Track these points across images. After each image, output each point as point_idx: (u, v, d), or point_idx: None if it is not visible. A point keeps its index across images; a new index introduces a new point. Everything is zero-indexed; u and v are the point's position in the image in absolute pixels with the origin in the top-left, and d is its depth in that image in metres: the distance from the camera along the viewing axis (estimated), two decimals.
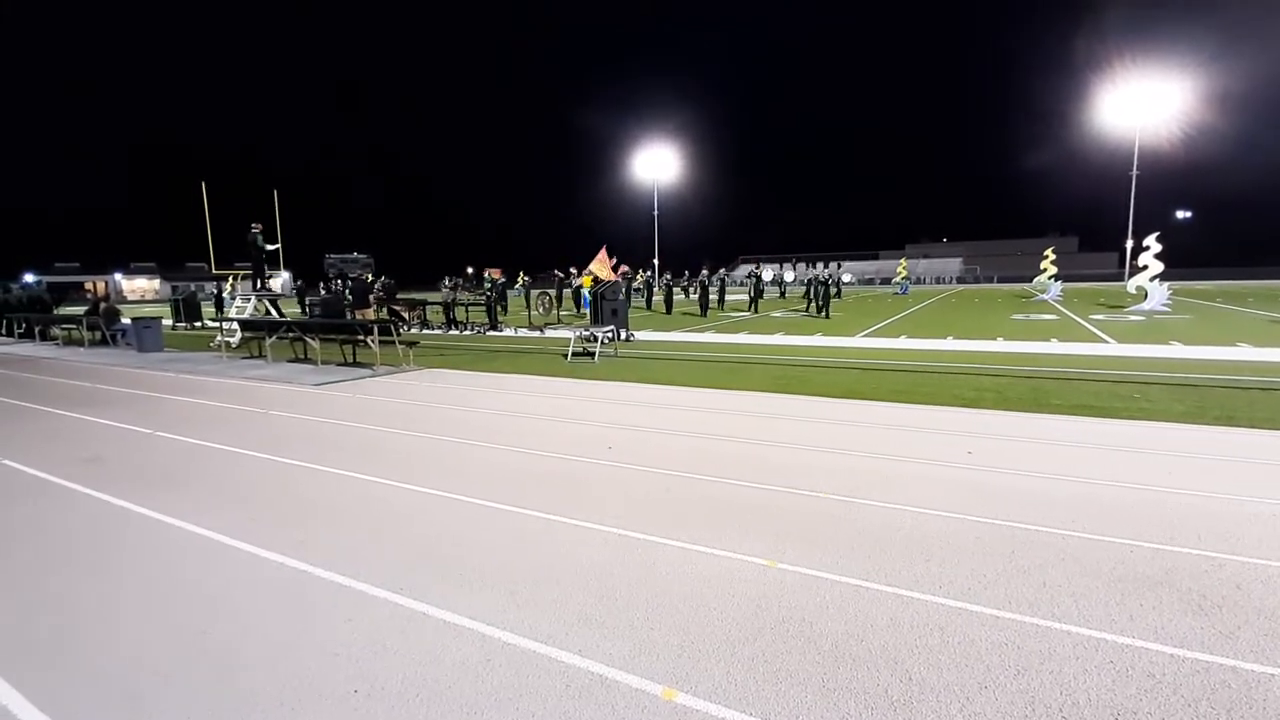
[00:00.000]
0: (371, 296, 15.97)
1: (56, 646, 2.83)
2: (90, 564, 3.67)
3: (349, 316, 15.42)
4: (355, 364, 11.64)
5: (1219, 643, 2.62)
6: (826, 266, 23.71)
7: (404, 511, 4.35)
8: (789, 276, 42.96)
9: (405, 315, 20.35)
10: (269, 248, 16.38)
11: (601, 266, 18.71)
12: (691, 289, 38.91)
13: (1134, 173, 40.67)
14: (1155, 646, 2.60)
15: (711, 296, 28.86)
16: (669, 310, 25.81)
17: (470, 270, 24.08)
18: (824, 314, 21.37)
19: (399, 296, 22.20)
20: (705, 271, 28.50)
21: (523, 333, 18.14)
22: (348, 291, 23.14)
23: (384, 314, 17.75)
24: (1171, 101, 39.24)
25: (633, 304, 28.13)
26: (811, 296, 22.84)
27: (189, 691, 2.48)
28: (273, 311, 17.18)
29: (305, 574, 3.43)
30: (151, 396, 9.09)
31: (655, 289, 30.29)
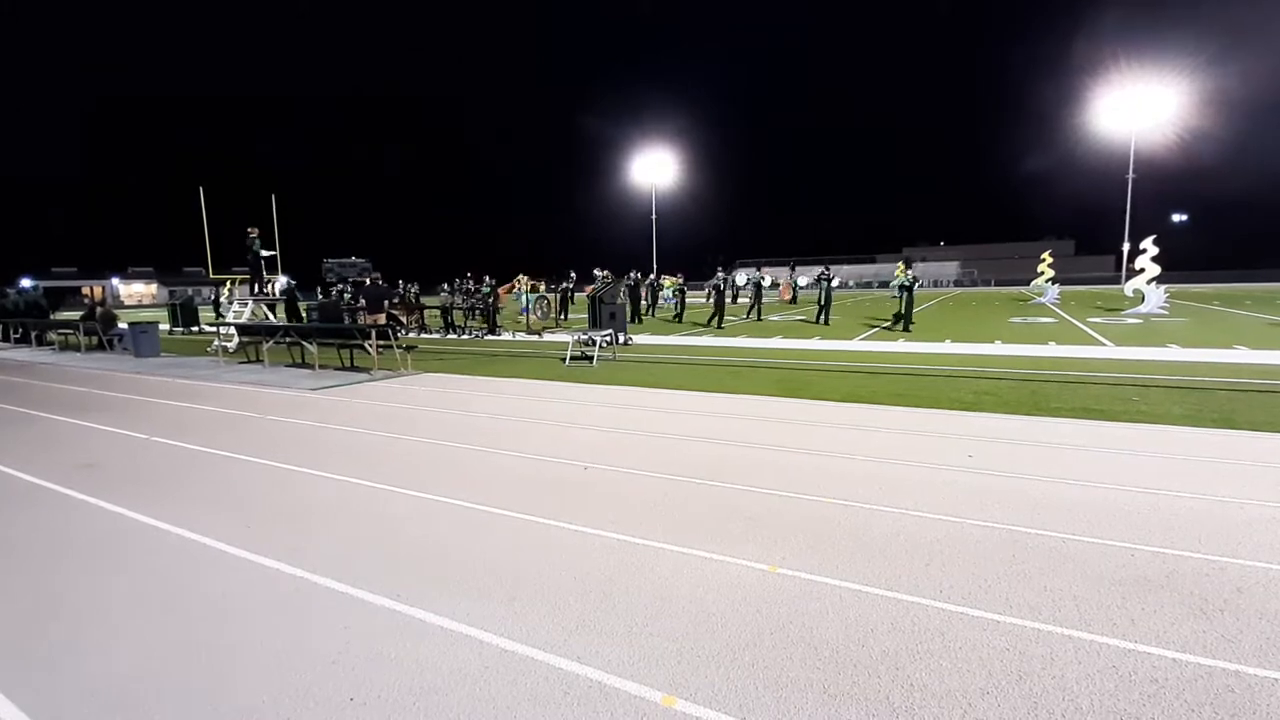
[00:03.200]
0: (387, 303, 15.75)
1: (50, 654, 2.80)
2: (85, 571, 3.64)
3: (349, 321, 15.35)
4: (353, 368, 11.62)
5: (1222, 647, 2.60)
6: (909, 269, 18.87)
7: (401, 517, 4.33)
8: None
9: (403, 319, 20.32)
10: (266, 254, 16.34)
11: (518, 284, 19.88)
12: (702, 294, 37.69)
13: (1130, 176, 40.86)
14: (1158, 651, 2.59)
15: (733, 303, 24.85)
16: (680, 317, 22.90)
17: (469, 275, 23.87)
18: (906, 326, 17.30)
19: (411, 301, 22.15)
20: (721, 274, 23.91)
21: (521, 337, 18.13)
22: (348, 297, 23.11)
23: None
24: (1168, 105, 39.45)
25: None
26: (899, 304, 18.06)
27: (184, 700, 2.46)
28: (271, 316, 17.16)
29: (302, 580, 3.41)
30: (148, 401, 9.06)
31: (651, 292, 29.55)
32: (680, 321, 22.29)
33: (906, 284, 17.55)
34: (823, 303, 20.37)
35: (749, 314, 20.91)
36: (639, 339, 16.24)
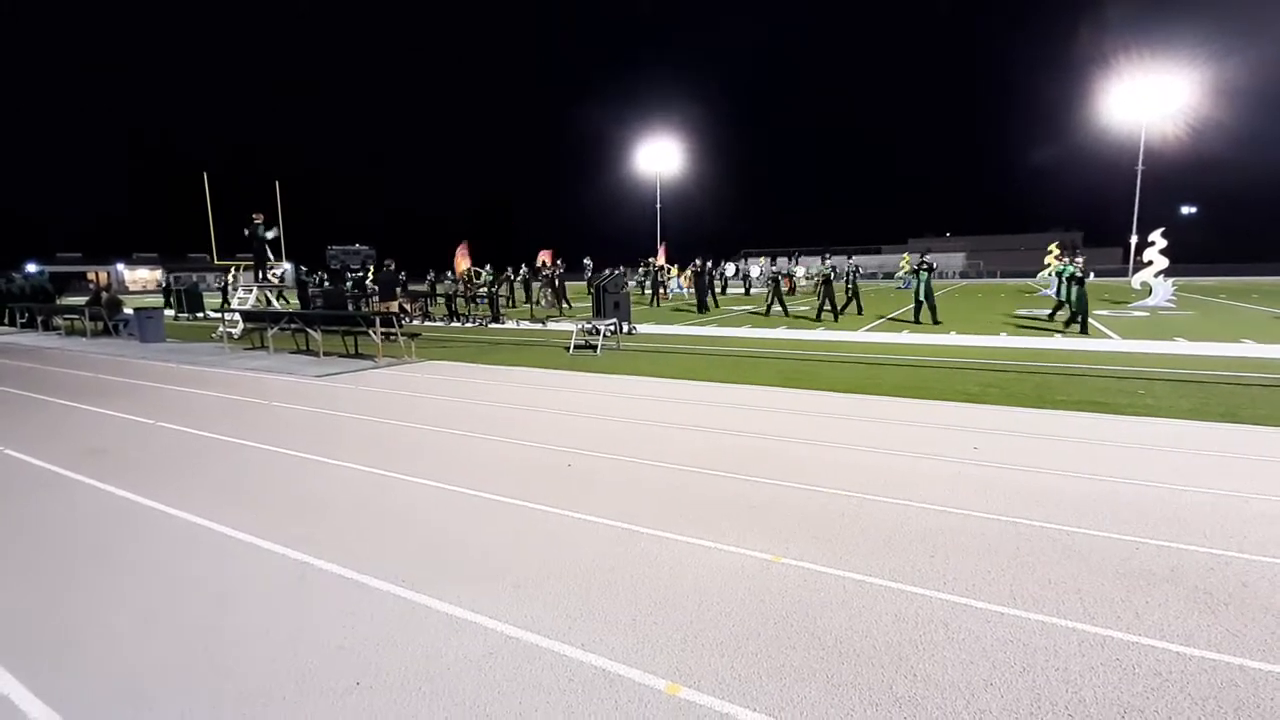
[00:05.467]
0: (398, 289, 15.80)
1: (59, 639, 2.83)
2: (92, 556, 3.66)
3: (360, 308, 15.37)
4: (357, 355, 11.64)
5: (1226, 641, 2.60)
6: (1076, 255, 13.50)
7: (406, 504, 4.34)
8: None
9: (407, 307, 20.35)
10: (269, 235, 16.33)
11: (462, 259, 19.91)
12: (804, 282, 32.63)
13: (1139, 168, 40.49)
14: (1162, 644, 2.59)
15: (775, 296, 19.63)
16: (771, 311, 19.66)
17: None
18: (1084, 326, 13.48)
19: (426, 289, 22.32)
20: (828, 262, 18.13)
21: (525, 325, 18.12)
22: (350, 285, 23.10)
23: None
24: (1178, 96, 39.01)
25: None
26: (1069, 303, 13.99)
27: (192, 684, 2.48)
28: (274, 303, 17.18)
29: (308, 566, 3.43)
30: (154, 387, 9.09)
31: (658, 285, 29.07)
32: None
33: (1079, 275, 13.59)
34: (923, 296, 16.15)
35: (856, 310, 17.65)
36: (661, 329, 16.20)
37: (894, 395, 7.49)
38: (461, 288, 21.15)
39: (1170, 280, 22.23)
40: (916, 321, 16.23)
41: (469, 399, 7.84)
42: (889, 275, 50.50)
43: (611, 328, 12.98)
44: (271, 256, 16.62)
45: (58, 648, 2.75)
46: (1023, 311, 20.52)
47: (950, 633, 2.70)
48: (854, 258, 21.50)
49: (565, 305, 23.73)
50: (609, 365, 10.25)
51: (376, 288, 16.60)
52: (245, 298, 17.55)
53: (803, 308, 23.02)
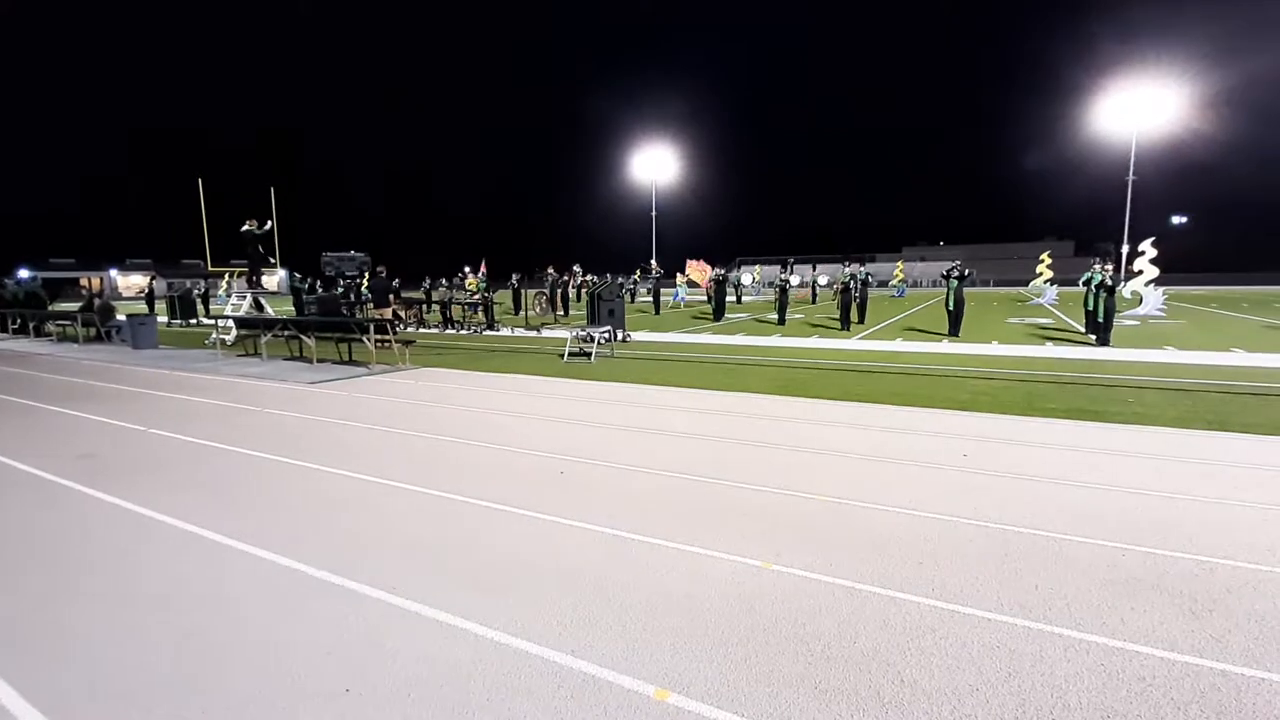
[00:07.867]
0: (391, 296, 15.87)
1: (49, 644, 2.82)
2: (83, 561, 3.65)
3: (354, 314, 15.36)
4: (351, 362, 11.63)
5: (1210, 646, 2.63)
6: (1107, 264, 13.81)
7: (398, 511, 4.34)
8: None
9: (402, 314, 20.33)
10: (265, 226, 16.35)
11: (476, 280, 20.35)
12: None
13: (1131, 177, 40.81)
14: (1146, 650, 2.61)
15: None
16: (862, 318, 19.29)
17: (468, 269, 23.94)
18: (1104, 337, 13.33)
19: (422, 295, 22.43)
20: (846, 270, 17.86)
21: (519, 332, 18.13)
22: (349, 290, 23.07)
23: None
24: (1169, 105, 39.43)
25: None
26: (1096, 311, 13.64)
27: (181, 690, 2.47)
28: (268, 308, 17.15)
29: (298, 573, 3.43)
30: (146, 393, 9.06)
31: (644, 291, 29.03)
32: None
33: (1109, 283, 13.27)
34: (952, 308, 15.18)
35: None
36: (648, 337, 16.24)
37: (885, 403, 7.53)
38: (463, 293, 21.31)
39: (1161, 289, 22.40)
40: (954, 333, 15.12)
41: (461, 405, 7.84)
42: (883, 283, 50.69)
43: (606, 335, 13.01)
44: (264, 253, 16.62)
45: (48, 653, 2.74)
46: (1014, 320, 20.64)
47: (937, 639, 2.72)
48: (865, 265, 21.84)
49: (561, 313, 23.77)
50: (603, 373, 10.27)
51: (370, 294, 16.67)
52: (239, 304, 17.52)
53: (797, 315, 23.14)
